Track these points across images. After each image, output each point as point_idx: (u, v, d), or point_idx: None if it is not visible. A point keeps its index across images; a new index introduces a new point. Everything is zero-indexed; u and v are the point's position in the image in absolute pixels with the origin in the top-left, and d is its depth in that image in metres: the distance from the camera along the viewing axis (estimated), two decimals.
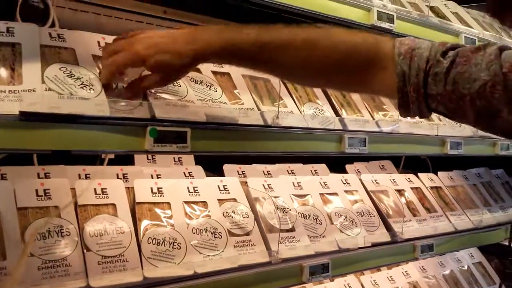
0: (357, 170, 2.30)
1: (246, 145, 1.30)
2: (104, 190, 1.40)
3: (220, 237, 1.47)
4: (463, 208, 2.27)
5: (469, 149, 2.03)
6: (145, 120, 1.12)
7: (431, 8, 1.98)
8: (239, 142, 1.28)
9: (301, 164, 2.15)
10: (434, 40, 1.42)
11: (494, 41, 1.11)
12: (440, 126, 1.97)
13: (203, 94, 1.33)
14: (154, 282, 1.25)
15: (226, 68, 1.51)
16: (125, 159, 1.70)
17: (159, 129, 1.11)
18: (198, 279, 1.30)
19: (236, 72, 1.52)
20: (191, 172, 1.78)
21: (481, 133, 2.15)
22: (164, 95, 1.21)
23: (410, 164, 2.56)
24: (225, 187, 1.63)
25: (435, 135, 1.89)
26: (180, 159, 1.89)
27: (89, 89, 1.09)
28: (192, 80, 1.35)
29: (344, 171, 2.22)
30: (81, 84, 1.10)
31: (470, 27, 2.04)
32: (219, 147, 1.24)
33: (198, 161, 1.85)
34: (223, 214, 1.54)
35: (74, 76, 1.10)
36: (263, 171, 2.02)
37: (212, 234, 1.46)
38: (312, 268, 1.51)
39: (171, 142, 1.12)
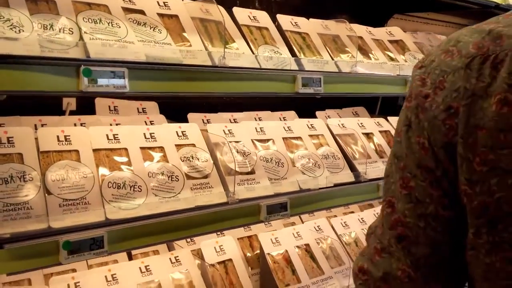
0: (328, 116, 2.30)
1: (190, 86, 1.30)
2: (67, 137, 1.42)
3: (177, 180, 1.49)
4: None
5: None
6: (79, 60, 1.11)
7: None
8: (182, 83, 1.28)
9: (269, 111, 2.15)
10: None
11: None
12: (405, 66, 1.95)
13: (145, 35, 1.32)
14: (115, 222, 1.28)
15: (174, 10, 1.49)
16: (87, 110, 1.71)
17: (94, 69, 1.10)
18: (152, 218, 1.32)
19: (185, 14, 1.50)
20: (152, 121, 1.78)
21: None
22: (100, 36, 1.20)
23: (388, 110, 2.55)
24: (184, 133, 1.64)
25: (397, 75, 1.88)
26: (144, 109, 1.89)
27: (19, 30, 1.08)
28: (134, 21, 1.33)
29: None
30: (11, 25, 1.09)
31: None
32: (160, 87, 1.24)
33: (163, 111, 1.86)
34: (181, 159, 1.56)
35: (4, 18, 1.09)
36: (230, 119, 2.02)
37: (168, 177, 1.49)
38: (270, 207, 1.54)
39: (107, 82, 1.12)
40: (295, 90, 1.54)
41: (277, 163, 1.76)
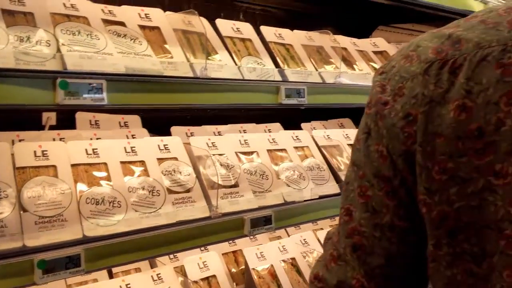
0: (313, 128, 2.29)
1: (171, 98, 1.27)
2: (44, 152, 1.38)
3: (158, 195, 1.46)
4: None
5: None
6: (55, 72, 1.08)
7: None
8: (163, 95, 1.26)
9: (254, 124, 2.13)
10: None
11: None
12: None
13: (125, 47, 1.29)
14: (93, 239, 1.24)
15: (155, 22, 1.47)
16: (67, 124, 1.67)
17: (71, 81, 1.07)
18: (131, 235, 1.29)
19: (167, 26, 1.48)
20: (134, 135, 1.75)
21: None
22: (78, 48, 1.18)
23: None
24: (166, 146, 1.61)
25: None
26: (126, 123, 1.85)
27: None
28: (114, 33, 1.31)
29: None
30: None
31: None
32: (140, 99, 1.21)
33: (147, 125, 1.82)
34: (163, 173, 1.53)
35: None
36: (214, 132, 1.99)
37: (149, 192, 1.45)
38: (254, 221, 1.51)
39: (85, 95, 1.09)
40: (279, 101, 1.52)
41: (261, 176, 1.73)
